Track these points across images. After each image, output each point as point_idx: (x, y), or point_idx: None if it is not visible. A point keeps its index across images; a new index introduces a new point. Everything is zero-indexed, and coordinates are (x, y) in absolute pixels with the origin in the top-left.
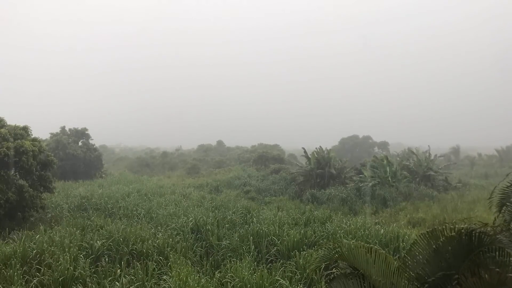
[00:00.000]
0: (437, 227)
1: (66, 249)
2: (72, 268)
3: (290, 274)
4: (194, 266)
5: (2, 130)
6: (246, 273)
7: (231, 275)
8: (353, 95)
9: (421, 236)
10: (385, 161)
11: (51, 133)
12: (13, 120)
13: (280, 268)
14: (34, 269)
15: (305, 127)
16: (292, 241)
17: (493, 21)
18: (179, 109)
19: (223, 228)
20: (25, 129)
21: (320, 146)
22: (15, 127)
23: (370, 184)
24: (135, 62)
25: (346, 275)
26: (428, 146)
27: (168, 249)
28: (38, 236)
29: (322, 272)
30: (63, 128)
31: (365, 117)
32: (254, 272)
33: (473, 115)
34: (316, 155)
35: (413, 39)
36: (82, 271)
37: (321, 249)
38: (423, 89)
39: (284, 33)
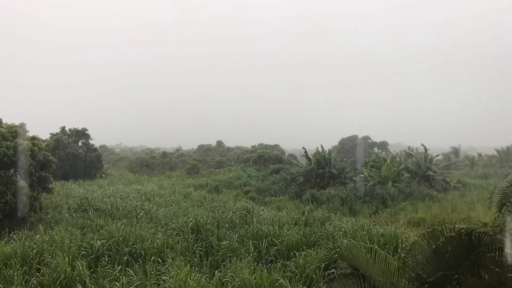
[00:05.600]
0: (437, 227)
1: (66, 249)
2: (71, 269)
3: (290, 274)
4: (194, 266)
5: (2, 129)
6: (246, 273)
7: (231, 275)
8: (353, 95)
9: (421, 236)
10: (388, 161)
11: (51, 133)
12: (13, 120)
13: (279, 268)
14: (34, 269)
15: (305, 127)
16: (292, 241)
17: (493, 19)
18: (179, 109)
19: (223, 228)
20: (21, 126)
21: (321, 145)
22: (12, 126)
23: (370, 184)
24: (135, 62)
25: (346, 275)
26: (423, 145)
27: (168, 249)
28: (38, 236)
29: (322, 272)
30: (63, 128)
31: (365, 117)
32: (254, 272)
33: (473, 115)
34: (316, 155)
35: (413, 38)
36: (81, 271)
37: (321, 249)
38: (423, 90)
39: (285, 34)
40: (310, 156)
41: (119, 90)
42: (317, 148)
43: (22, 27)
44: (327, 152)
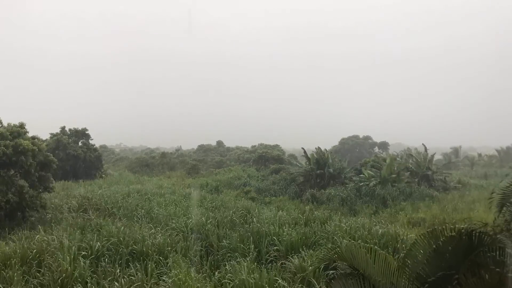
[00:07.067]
0: (437, 227)
1: (66, 250)
2: (71, 269)
3: (290, 275)
4: (193, 266)
5: (1, 129)
6: (245, 274)
7: (230, 276)
8: (353, 97)
9: (421, 236)
10: (388, 161)
11: (51, 133)
12: (12, 120)
13: (279, 268)
14: (34, 269)
15: (305, 127)
16: (292, 241)
17: (493, 19)
18: (179, 109)
19: (223, 228)
20: (21, 126)
21: (318, 147)
22: (12, 126)
23: (370, 184)
24: (135, 62)
25: (345, 275)
26: (424, 145)
27: (168, 249)
28: (38, 236)
29: (322, 272)
30: (63, 128)
31: (366, 118)
32: (254, 273)
33: (473, 115)
34: (315, 156)
35: (414, 37)
36: (81, 271)
37: (321, 249)
38: (423, 90)
39: (285, 35)
40: (310, 157)
41: (119, 90)
42: (316, 148)
43: (19, 19)
44: (326, 152)
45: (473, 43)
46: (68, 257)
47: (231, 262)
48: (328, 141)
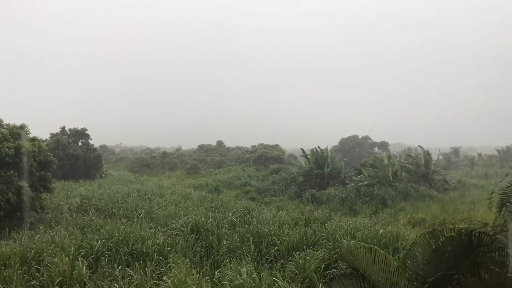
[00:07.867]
0: (437, 227)
1: (66, 249)
2: (71, 269)
3: (290, 274)
4: (194, 266)
5: (3, 130)
6: (246, 274)
7: (229, 278)
8: (353, 95)
9: (421, 236)
10: (385, 161)
11: (51, 133)
12: (12, 120)
13: (279, 269)
14: (33, 269)
15: (305, 127)
16: (292, 241)
17: (491, 16)
18: (179, 109)
19: (223, 228)
20: (22, 127)
21: (318, 146)
22: (13, 127)
23: (370, 184)
24: (136, 62)
25: (345, 275)
26: (421, 147)
27: (168, 249)
28: (37, 236)
29: (322, 272)
30: (63, 129)
31: (366, 117)
32: (254, 273)
33: (473, 115)
34: (314, 156)
35: (414, 36)
36: (81, 271)
37: (321, 249)
38: (423, 90)
39: (286, 34)
40: (309, 156)
41: (119, 91)
42: (316, 148)
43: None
44: (325, 152)
45: (472, 39)
46: (66, 258)
47: (233, 260)
48: (328, 141)
